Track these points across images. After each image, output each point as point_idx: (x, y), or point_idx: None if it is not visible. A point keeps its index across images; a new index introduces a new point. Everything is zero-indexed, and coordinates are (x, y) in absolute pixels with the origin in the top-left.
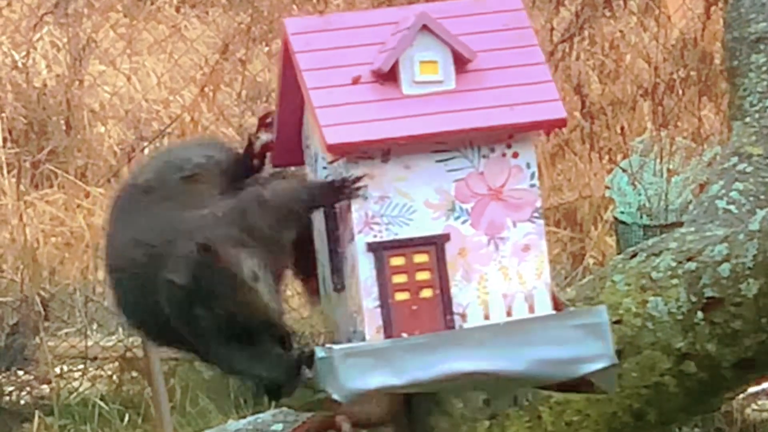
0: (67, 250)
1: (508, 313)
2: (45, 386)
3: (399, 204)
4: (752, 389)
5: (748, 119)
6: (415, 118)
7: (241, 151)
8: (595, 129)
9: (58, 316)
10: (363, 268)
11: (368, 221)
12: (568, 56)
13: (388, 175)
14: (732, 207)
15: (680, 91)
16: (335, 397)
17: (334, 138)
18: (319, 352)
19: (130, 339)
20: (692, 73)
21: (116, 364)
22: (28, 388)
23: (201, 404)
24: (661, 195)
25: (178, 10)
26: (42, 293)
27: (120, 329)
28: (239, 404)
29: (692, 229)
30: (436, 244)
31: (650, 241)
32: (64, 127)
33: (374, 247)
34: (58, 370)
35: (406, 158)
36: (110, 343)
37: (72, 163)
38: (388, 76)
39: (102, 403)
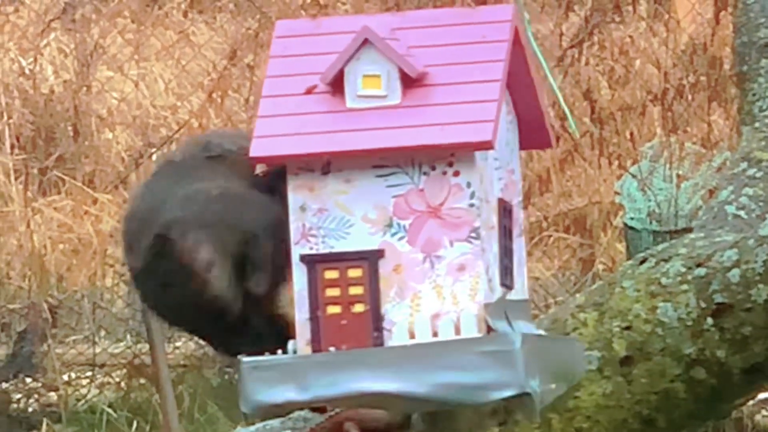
0: (75, 256)
1: (434, 334)
2: (53, 393)
3: (337, 217)
4: (762, 395)
5: (757, 124)
6: (352, 133)
7: None
8: (605, 135)
9: (66, 323)
10: (297, 280)
11: (305, 233)
12: (577, 61)
13: (327, 188)
14: (742, 212)
15: (690, 97)
16: (242, 408)
17: (259, 150)
18: (239, 363)
19: (138, 346)
20: (702, 78)
21: (124, 371)
22: (35, 396)
23: (209, 411)
24: (670, 200)
25: (185, 15)
26: (50, 300)
27: (128, 336)
28: None
29: (702, 234)
30: (369, 259)
31: (660, 247)
32: (71, 134)
33: (308, 259)
34: (65, 377)
35: (346, 172)
36: (118, 350)
37: (79, 170)
38: (338, 88)
39: (110, 411)
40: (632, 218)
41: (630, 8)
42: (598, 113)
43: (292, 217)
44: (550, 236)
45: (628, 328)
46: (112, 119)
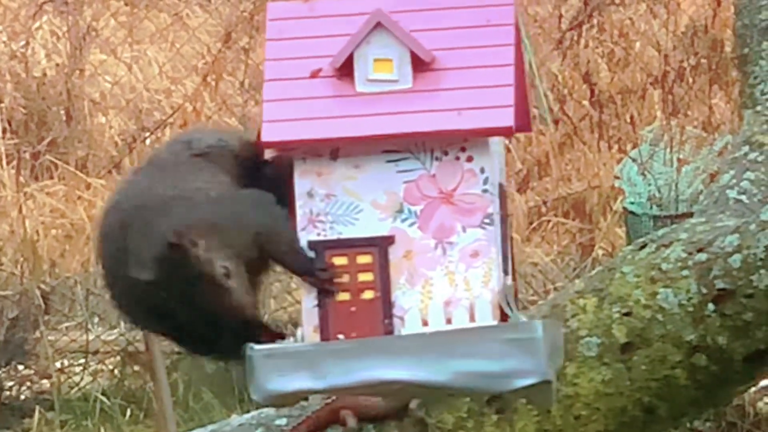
0: (68, 242)
1: (448, 321)
2: (45, 381)
3: (345, 203)
4: (764, 382)
5: (759, 108)
6: (363, 118)
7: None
8: (604, 118)
9: (59, 309)
10: None
11: (312, 219)
12: (576, 44)
13: (336, 173)
14: (743, 197)
15: (690, 80)
16: (253, 396)
17: (271, 135)
18: (247, 350)
19: (132, 333)
20: (703, 61)
21: (118, 358)
22: (28, 383)
23: (204, 399)
24: (671, 185)
25: None
26: (42, 286)
27: (122, 323)
28: (243, 398)
29: (703, 219)
30: (379, 245)
31: (660, 232)
32: (64, 118)
33: (316, 246)
34: (58, 364)
35: (356, 158)
36: (112, 337)
37: (72, 154)
38: (346, 72)
39: (103, 398)
40: (632, 203)
41: None
42: (597, 96)
43: (298, 203)
44: (549, 221)
45: (628, 314)
46: (105, 103)
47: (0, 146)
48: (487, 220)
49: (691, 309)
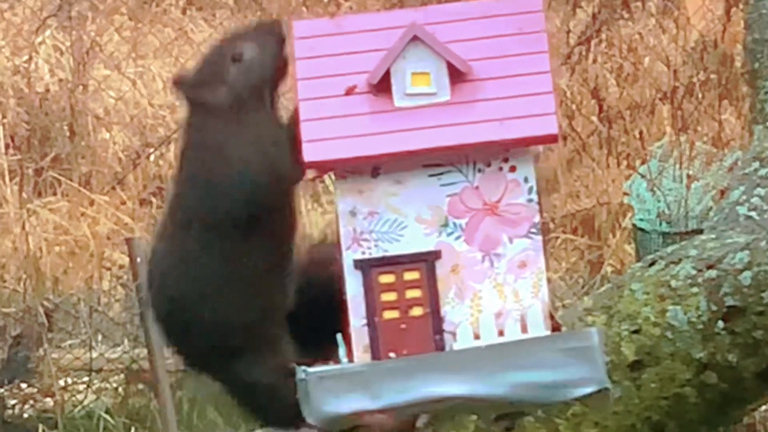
0: (71, 259)
1: (500, 333)
2: (49, 399)
3: (389, 220)
4: None
5: None
6: (404, 133)
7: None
8: (613, 134)
9: (62, 327)
10: (350, 286)
11: (356, 237)
12: (584, 59)
13: (378, 190)
14: (753, 213)
15: (700, 95)
16: (309, 419)
17: (313, 155)
18: (299, 374)
19: (136, 350)
20: (712, 76)
21: (122, 376)
22: (31, 401)
23: (209, 417)
24: (680, 201)
25: (184, 12)
26: (45, 304)
27: (125, 340)
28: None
29: (712, 236)
30: (427, 261)
31: (669, 249)
32: (67, 134)
33: (362, 265)
34: (62, 382)
35: (397, 173)
36: (115, 355)
37: (76, 170)
38: (382, 87)
39: (107, 417)
40: (641, 219)
41: (639, 4)
42: (606, 112)
43: (341, 222)
44: (557, 238)
45: (637, 331)
46: (109, 119)
47: (3, 162)
48: (533, 230)
49: (700, 326)
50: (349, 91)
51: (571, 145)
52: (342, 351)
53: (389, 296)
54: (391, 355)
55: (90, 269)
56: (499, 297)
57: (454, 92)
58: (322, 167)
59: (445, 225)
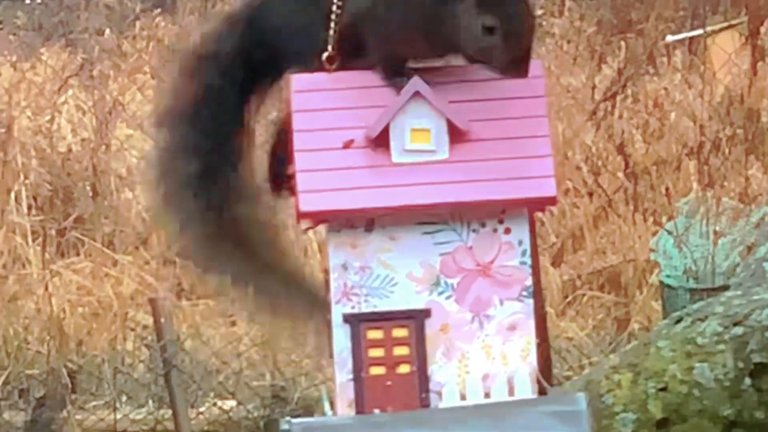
0: (95, 320)
1: (486, 395)
2: None
3: (381, 275)
4: None
5: None
6: (400, 188)
7: None
8: (639, 190)
9: (86, 388)
10: (338, 340)
11: (347, 292)
12: (610, 115)
13: (371, 245)
14: None
15: (726, 150)
16: None
17: (308, 205)
18: (283, 425)
19: (161, 411)
20: (738, 131)
21: None
22: None
23: None
24: (707, 257)
25: None
26: (69, 365)
27: (150, 401)
28: None
29: (739, 292)
30: (416, 318)
31: (696, 306)
32: (90, 193)
33: (351, 319)
34: None
35: (391, 229)
36: (140, 416)
37: (99, 230)
38: (381, 142)
39: None
40: (668, 276)
41: (664, 60)
42: (632, 168)
43: (333, 275)
44: (583, 295)
45: (663, 389)
46: (132, 178)
47: (26, 223)
48: (524, 293)
49: (727, 384)
50: (347, 145)
51: (597, 201)
52: (326, 405)
53: (377, 352)
54: (376, 411)
55: (114, 330)
56: (487, 359)
57: (453, 151)
58: (317, 218)
59: (437, 284)
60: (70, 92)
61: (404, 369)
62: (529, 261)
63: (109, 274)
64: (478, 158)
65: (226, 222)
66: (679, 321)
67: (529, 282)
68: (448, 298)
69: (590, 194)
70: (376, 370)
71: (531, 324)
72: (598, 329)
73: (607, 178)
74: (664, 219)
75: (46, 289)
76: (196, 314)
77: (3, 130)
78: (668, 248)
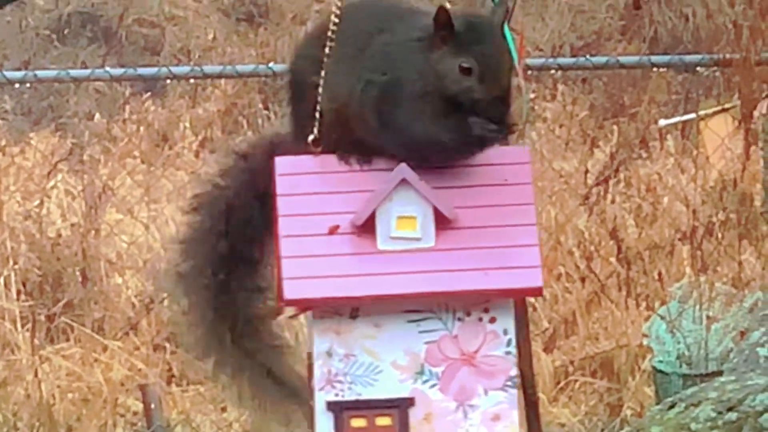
0: (85, 406)
1: None
2: None
3: (365, 363)
4: None
5: None
6: (386, 277)
7: None
8: (632, 275)
9: None
10: (321, 428)
11: (330, 379)
12: (603, 199)
13: (355, 332)
14: None
15: (719, 235)
16: None
17: (293, 293)
18: None
19: None
20: (732, 215)
21: None
22: None
23: None
24: (700, 343)
25: (197, 155)
26: None
27: None
28: None
29: (733, 377)
30: (400, 407)
31: (689, 391)
32: (79, 279)
33: (334, 407)
34: None
35: (376, 317)
36: None
37: (88, 316)
38: (366, 228)
39: None
40: (661, 361)
41: (657, 144)
42: (624, 253)
43: (317, 362)
44: (576, 381)
45: None
46: (122, 263)
47: (15, 308)
48: (509, 383)
49: None
50: (332, 231)
51: (589, 286)
52: None
53: None
54: None
55: (104, 416)
56: None
57: (439, 238)
58: (302, 305)
59: (421, 372)
60: (60, 177)
61: None
62: (514, 351)
63: (98, 359)
64: (464, 246)
65: (231, 312)
66: (672, 406)
67: (513, 372)
68: (432, 386)
69: (583, 279)
70: None
71: (515, 414)
72: (591, 415)
73: (599, 263)
74: (656, 304)
75: (36, 374)
76: (187, 400)
77: None
78: (661, 333)
